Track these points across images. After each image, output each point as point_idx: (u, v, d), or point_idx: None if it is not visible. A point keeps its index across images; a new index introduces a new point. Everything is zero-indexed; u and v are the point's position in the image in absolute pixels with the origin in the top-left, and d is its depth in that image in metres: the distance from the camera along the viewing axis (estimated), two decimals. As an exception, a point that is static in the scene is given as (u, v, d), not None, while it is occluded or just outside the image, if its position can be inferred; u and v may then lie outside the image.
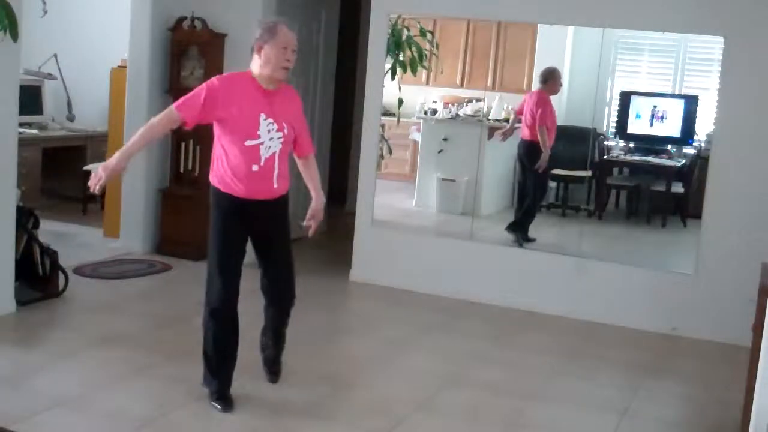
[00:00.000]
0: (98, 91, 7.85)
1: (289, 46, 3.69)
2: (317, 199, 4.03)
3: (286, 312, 4.04)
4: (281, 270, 3.95)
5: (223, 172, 3.70)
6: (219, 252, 3.81)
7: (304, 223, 3.94)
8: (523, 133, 6.47)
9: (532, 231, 6.35)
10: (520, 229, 6.33)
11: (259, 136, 3.64)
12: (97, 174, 3.55)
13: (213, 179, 3.77)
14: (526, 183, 6.60)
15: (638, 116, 6.48)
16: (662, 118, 6.39)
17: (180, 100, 3.70)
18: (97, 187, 3.52)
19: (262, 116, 3.65)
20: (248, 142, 3.64)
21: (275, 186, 3.75)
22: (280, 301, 4.01)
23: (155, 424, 3.64)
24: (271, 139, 3.67)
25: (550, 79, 6.31)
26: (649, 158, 6.51)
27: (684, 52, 6.28)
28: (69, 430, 3.55)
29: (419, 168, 7.37)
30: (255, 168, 3.65)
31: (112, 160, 3.65)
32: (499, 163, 6.93)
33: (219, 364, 3.89)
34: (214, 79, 3.73)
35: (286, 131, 3.71)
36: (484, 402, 4.21)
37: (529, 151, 6.44)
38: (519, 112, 6.51)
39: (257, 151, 3.65)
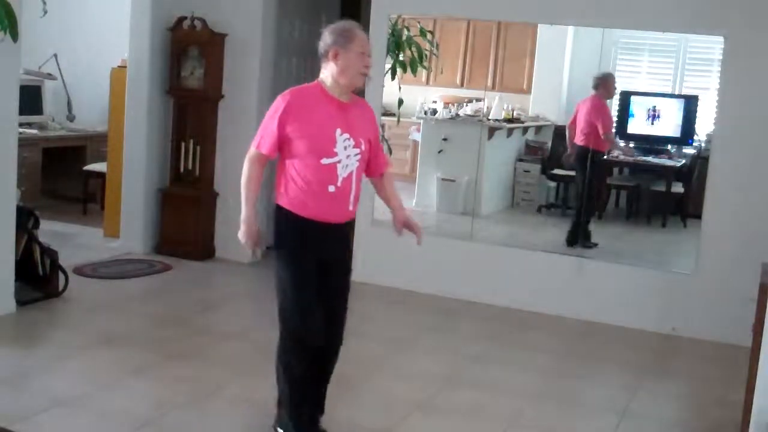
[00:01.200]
0: (98, 91, 7.85)
1: (366, 50, 3.34)
2: (403, 212, 3.69)
3: (335, 351, 3.54)
4: (337, 301, 3.49)
5: (296, 193, 3.32)
6: (294, 277, 3.36)
7: (399, 232, 3.65)
8: (577, 138, 6.33)
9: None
10: (581, 237, 6.19)
11: (336, 154, 3.30)
12: (247, 244, 3.38)
13: (282, 201, 3.36)
14: (578, 188, 6.44)
15: (632, 115, 6.48)
16: (657, 117, 6.38)
17: (257, 137, 3.36)
18: (258, 251, 3.26)
19: (338, 131, 3.31)
20: (324, 161, 3.29)
21: (350, 208, 3.43)
22: (331, 337, 3.48)
23: (155, 424, 3.64)
24: (348, 156, 3.33)
25: (602, 84, 6.19)
26: (650, 158, 6.51)
27: (684, 52, 6.28)
28: (69, 430, 3.55)
29: (419, 168, 7.37)
30: (331, 189, 3.32)
31: (246, 227, 3.35)
32: (499, 163, 6.94)
33: (302, 402, 3.48)
34: (285, 96, 3.34)
35: (363, 147, 3.39)
36: (484, 402, 4.21)
37: (582, 156, 6.30)
38: (573, 122, 6.35)
39: (334, 170, 3.31)
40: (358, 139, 3.37)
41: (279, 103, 3.32)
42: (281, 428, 3.52)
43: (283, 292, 3.38)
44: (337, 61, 3.29)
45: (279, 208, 3.37)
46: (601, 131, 6.23)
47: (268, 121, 3.33)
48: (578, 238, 6.19)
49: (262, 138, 3.34)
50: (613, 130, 6.39)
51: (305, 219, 3.33)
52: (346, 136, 3.33)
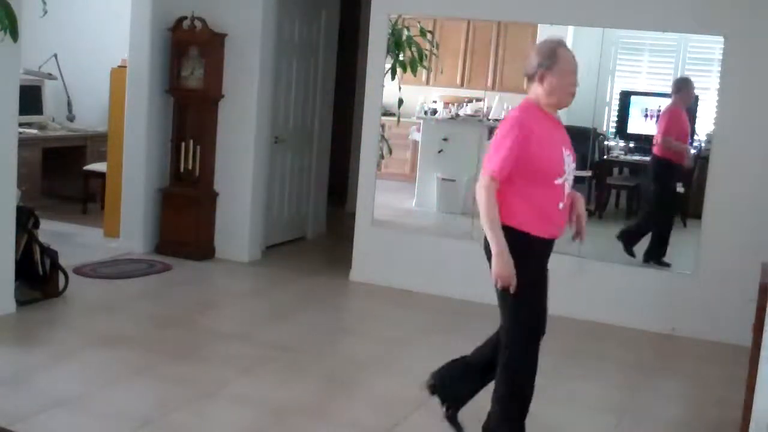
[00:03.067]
0: (98, 91, 7.85)
1: (571, 67, 3.33)
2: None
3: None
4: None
5: (530, 213, 3.32)
6: (533, 285, 3.44)
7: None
8: (655, 147, 6.19)
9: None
10: (656, 253, 5.96)
11: (564, 173, 3.35)
12: (505, 284, 3.34)
13: (513, 222, 3.32)
14: (655, 201, 6.35)
15: (629, 115, 6.47)
16: (657, 117, 6.37)
17: (494, 165, 3.28)
18: (511, 288, 3.32)
19: (564, 150, 3.37)
20: (557, 181, 3.33)
21: (566, 223, 3.50)
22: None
23: (155, 424, 3.64)
24: (569, 173, 3.37)
25: (684, 88, 6.01)
26: (649, 158, 6.50)
27: (684, 52, 6.28)
28: (69, 430, 3.54)
29: (419, 168, 7.37)
30: (560, 206, 3.37)
31: (502, 266, 3.30)
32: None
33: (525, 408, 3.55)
34: (519, 120, 3.32)
35: (575, 164, 3.46)
36: (484, 402, 4.20)
37: (660, 167, 6.21)
38: (666, 132, 6.11)
39: (563, 189, 3.36)
40: (573, 155, 3.44)
41: (516, 128, 3.29)
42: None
43: (521, 299, 3.39)
44: (543, 84, 3.33)
45: (509, 229, 3.32)
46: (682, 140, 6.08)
47: (509, 147, 3.26)
48: (654, 255, 5.94)
49: (503, 166, 3.27)
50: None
51: (541, 239, 3.40)
52: (567, 153, 3.39)
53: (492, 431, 3.58)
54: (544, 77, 3.31)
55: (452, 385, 3.72)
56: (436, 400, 4.13)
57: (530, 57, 3.38)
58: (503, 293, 3.42)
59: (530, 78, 3.38)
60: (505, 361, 3.49)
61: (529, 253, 3.38)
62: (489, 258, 3.41)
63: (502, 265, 3.30)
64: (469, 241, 6.13)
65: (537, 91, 3.36)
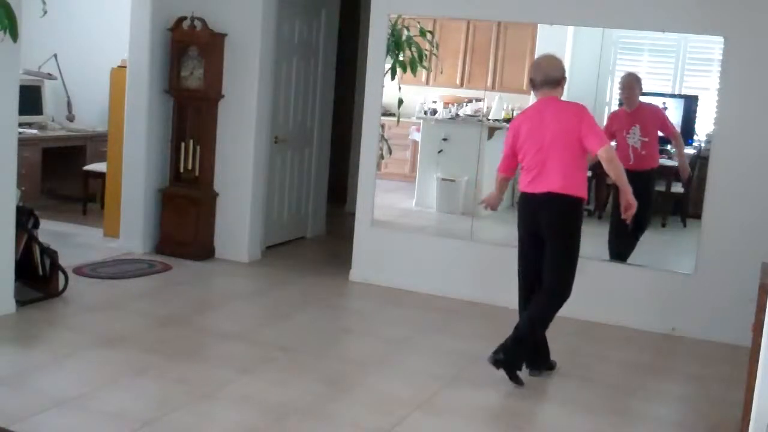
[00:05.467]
0: (98, 91, 7.85)
1: None
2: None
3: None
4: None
5: (586, 184, 4.46)
6: (579, 251, 4.46)
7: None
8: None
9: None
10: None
11: None
12: (631, 207, 4.38)
13: (581, 193, 4.38)
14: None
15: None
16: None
17: (602, 135, 4.37)
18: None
19: None
20: None
21: None
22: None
23: (155, 424, 3.64)
24: None
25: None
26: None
27: (684, 52, 6.27)
28: (69, 430, 3.55)
29: (419, 168, 7.37)
30: None
31: (629, 194, 4.38)
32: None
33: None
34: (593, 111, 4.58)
35: None
36: (484, 402, 4.21)
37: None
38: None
39: None
40: None
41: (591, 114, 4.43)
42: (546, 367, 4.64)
43: (573, 263, 4.44)
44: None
45: (577, 200, 4.36)
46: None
47: (595, 123, 4.40)
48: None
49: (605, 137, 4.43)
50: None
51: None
52: None
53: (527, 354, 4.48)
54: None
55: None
56: (436, 400, 4.15)
57: (561, 65, 4.49)
58: (571, 243, 4.42)
59: (558, 82, 4.43)
60: (560, 292, 4.44)
61: (581, 215, 4.45)
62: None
63: (634, 200, 4.35)
64: (469, 242, 6.14)
65: (560, 92, 4.50)
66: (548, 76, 4.40)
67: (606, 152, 4.27)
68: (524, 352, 4.41)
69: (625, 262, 5.88)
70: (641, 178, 5.81)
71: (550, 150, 4.34)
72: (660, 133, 6.08)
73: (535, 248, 4.45)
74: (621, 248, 5.96)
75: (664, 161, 6.50)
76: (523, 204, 4.51)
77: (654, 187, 6.19)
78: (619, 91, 6.00)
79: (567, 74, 4.50)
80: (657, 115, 6.05)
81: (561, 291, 4.44)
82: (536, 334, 4.46)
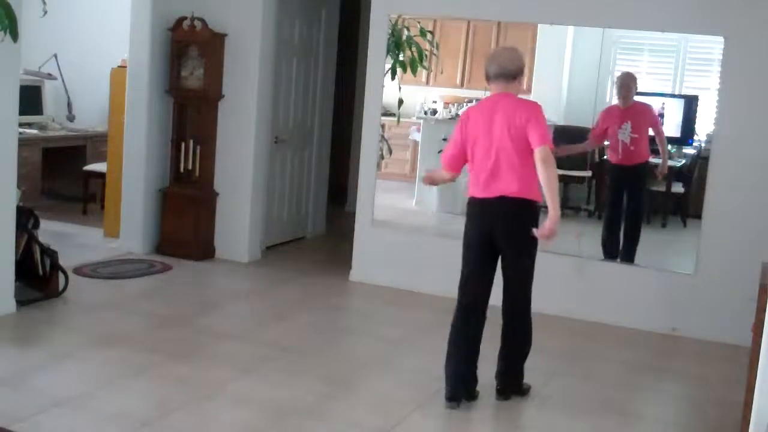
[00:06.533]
0: (98, 91, 7.86)
1: None
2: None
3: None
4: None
5: (538, 187, 3.95)
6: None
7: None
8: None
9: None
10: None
11: None
12: (552, 234, 3.87)
13: (535, 196, 3.95)
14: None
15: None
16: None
17: (545, 135, 3.90)
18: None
19: None
20: None
21: None
22: None
23: (155, 424, 3.64)
24: None
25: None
26: (649, 158, 6.50)
27: (684, 52, 6.28)
28: (69, 430, 3.54)
29: (419, 168, 7.37)
30: None
31: (554, 218, 3.84)
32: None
33: None
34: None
35: None
36: (484, 402, 4.21)
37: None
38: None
39: None
40: None
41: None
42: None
43: (532, 275, 4.10)
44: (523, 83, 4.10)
45: (534, 204, 3.96)
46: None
47: (546, 127, 3.97)
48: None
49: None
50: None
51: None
52: None
53: (517, 384, 4.25)
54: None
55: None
56: (436, 400, 4.14)
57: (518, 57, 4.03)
58: (528, 259, 4.06)
59: (515, 76, 4.00)
60: (528, 320, 4.15)
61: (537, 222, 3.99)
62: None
63: (557, 224, 3.83)
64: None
65: (518, 87, 4.05)
66: (503, 69, 3.97)
67: (542, 152, 3.83)
68: (516, 381, 4.25)
69: (617, 260, 5.95)
70: (629, 172, 6.14)
71: (501, 151, 3.92)
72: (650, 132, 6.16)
73: (483, 264, 4.05)
74: (612, 247, 6.09)
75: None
76: (473, 211, 4.07)
77: (645, 183, 6.29)
78: (615, 89, 6.04)
79: (526, 69, 4.16)
80: (649, 114, 6.14)
81: (527, 305, 4.13)
82: (526, 353, 4.23)
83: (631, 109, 6.01)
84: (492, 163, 3.93)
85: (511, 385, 4.23)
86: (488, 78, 4.04)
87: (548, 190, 3.82)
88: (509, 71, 3.97)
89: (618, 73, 6.30)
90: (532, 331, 4.19)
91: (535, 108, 3.96)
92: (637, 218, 6.20)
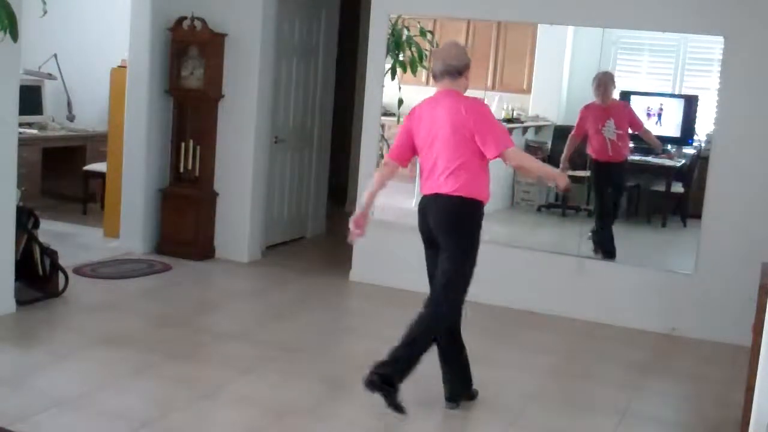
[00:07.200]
0: (98, 91, 7.85)
1: None
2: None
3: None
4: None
5: (485, 184, 4.00)
6: (476, 256, 4.04)
7: None
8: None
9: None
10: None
11: None
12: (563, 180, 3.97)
13: (475, 194, 3.93)
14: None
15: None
16: (657, 116, 6.37)
17: (501, 136, 3.93)
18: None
19: None
20: None
21: None
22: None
23: (155, 424, 3.64)
24: None
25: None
26: (649, 158, 6.51)
27: (684, 52, 6.27)
28: (69, 430, 3.55)
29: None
30: None
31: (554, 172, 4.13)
32: (498, 163, 6.91)
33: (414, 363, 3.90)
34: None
35: None
36: (484, 402, 4.21)
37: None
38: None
39: None
40: None
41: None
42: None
43: (467, 269, 3.97)
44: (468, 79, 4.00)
45: (472, 203, 3.89)
46: None
47: (499, 125, 4.03)
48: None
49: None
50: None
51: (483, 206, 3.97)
52: None
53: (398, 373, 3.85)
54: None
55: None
56: (435, 400, 4.14)
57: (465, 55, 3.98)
58: (457, 262, 3.93)
59: (460, 72, 3.93)
60: (433, 323, 3.96)
61: (480, 220, 3.97)
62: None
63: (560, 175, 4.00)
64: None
65: (464, 83, 3.98)
66: (447, 65, 3.90)
67: (513, 154, 3.87)
68: (401, 372, 3.83)
69: (612, 257, 5.98)
70: (617, 169, 6.28)
71: (440, 149, 3.88)
72: (630, 131, 6.26)
73: (432, 264, 4.03)
74: (604, 241, 6.12)
75: (664, 161, 6.51)
76: (418, 208, 4.05)
77: (625, 178, 6.49)
78: (593, 88, 6.10)
79: (470, 64, 3.99)
80: (626, 111, 6.25)
81: (442, 304, 3.95)
82: (415, 351, 3.88)
83: (610, 107, 6.11)
84: (432, 161, 3.92)
85: (399, 372, 3.84)
86: (434, 76, 3.98)
87: (542, 171, 4.08)
88: (454, 67, 3.90)
89: (619, 73, 6.32)
90: (432, 336, 3.95)
91: (480, 108, 3.90)
92: (617, 212, 6.42)
